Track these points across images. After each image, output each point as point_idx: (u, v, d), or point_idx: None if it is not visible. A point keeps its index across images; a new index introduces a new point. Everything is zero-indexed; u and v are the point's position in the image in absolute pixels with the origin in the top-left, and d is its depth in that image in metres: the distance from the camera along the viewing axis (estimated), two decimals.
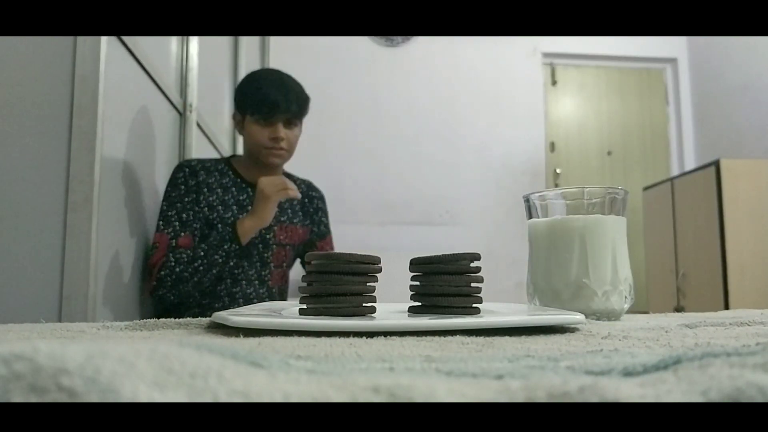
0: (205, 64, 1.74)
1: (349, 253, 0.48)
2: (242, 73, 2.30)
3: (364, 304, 0.48)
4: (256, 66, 2.78)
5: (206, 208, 1.32)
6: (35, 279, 0.90)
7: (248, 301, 1.35)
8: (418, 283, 0.53)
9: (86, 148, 0.93)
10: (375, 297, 0.50)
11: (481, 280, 0.51)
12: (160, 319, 0.48)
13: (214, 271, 1.25)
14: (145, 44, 1.22)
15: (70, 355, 0.18)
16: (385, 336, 0.39)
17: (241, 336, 0.39)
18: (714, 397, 0.18)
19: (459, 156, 3.78)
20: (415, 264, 0.53)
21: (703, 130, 3.90)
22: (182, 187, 1.30)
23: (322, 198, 1.54)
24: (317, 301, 0.47)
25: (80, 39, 0.93)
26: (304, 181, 1.53)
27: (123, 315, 1.14)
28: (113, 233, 1.10)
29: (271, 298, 1.39)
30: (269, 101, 1.30)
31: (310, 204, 1.50)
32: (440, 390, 0.18)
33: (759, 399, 0.17)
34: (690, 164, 3.87)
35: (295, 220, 1.44)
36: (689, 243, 2.76)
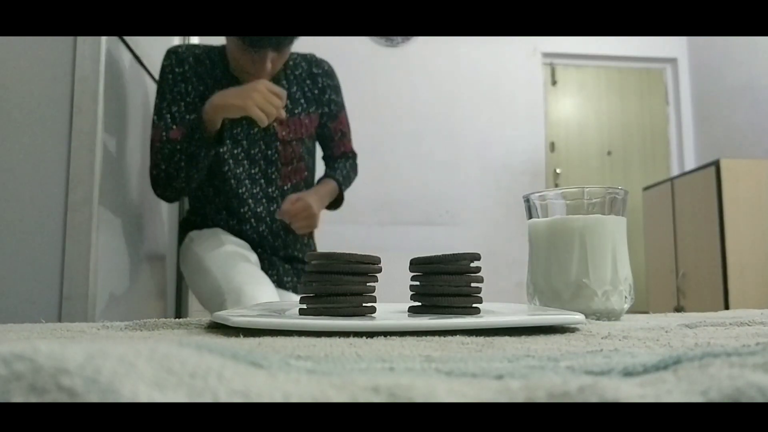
0: None
1: (349, 253, 0.48)
2: None
3: (364, 304, 0.48)
4: None
5: (197, 100, 1.17)
6: (35, 279, 0.90)
7: (256, 201, 1.24)
8: (418, 283, 0.53)
9: (86, 148, 0.93)
10: (375, 297, 0.50)
11: (481, 280, 0.51)
12: (160, 320, 0.48)
13: (200, 166, 1.12)
14: (146, 44, 1.22)
15: (70, 355, 0.18)
16: (385, 336, 0.39)
17: (241, 336, 0.39)
18: (714, 397, 0.18)
19: (459, 156, 3.78)
20: (415, 264, 0.53)
21: (703, 130, 3.90)
22: (169, 76, 1.18)
23: (327, 73, 1.31)
24: (317, 301, 0.47)
25: (80, 39, 0.94)
26: (305, 58, 1.30)
27: (123, 315, 1.14)
28: (113, 233, 1.10)
29: (284, 197, 1.26)
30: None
31: (314, 85, 1.28)
32: (440, 390, 0.18)
33: (759, 399, 0.17)
34: (690, 164, 3.88)
35: (296, 111, 1.26)
36: (689, 243, 2.76)
